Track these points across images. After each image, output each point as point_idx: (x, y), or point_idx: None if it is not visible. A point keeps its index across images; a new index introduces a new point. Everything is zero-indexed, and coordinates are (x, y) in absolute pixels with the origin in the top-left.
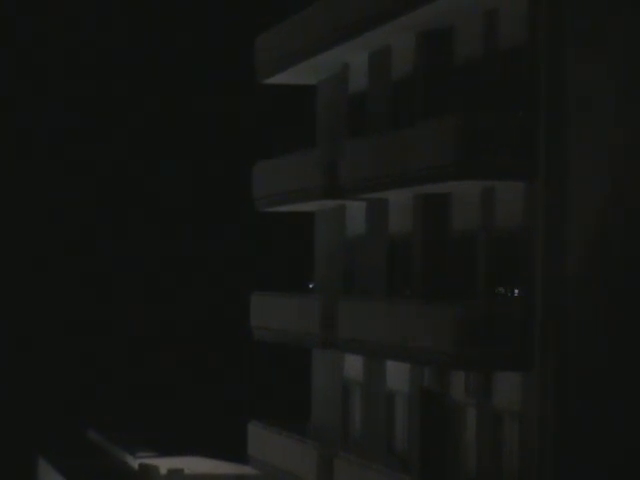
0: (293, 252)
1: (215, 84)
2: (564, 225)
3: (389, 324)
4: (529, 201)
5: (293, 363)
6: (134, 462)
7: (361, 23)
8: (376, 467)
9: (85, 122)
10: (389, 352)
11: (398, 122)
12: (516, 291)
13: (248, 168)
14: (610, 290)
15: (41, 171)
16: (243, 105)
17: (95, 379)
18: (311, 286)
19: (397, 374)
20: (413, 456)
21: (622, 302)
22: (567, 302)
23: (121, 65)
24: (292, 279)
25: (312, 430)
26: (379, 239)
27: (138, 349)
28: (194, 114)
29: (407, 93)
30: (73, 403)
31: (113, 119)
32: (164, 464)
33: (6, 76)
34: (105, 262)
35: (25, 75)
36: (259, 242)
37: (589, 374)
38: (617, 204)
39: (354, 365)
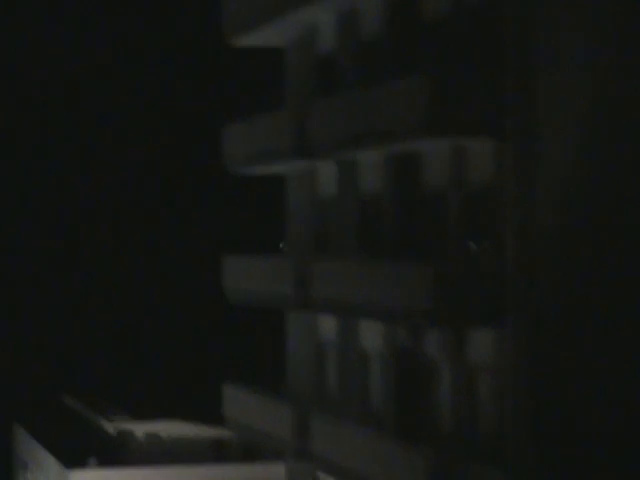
0: (263, 214)
1: (184, 45)
2: (534, 181)
3: (362, 283)
4: (499, 158)
5: (267, 325)
6: (111, 427)
7: None
8: (352, 425)
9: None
10: (363, 311)
11: (367, 82)
12: (486, 245)
13: (218, 130)
14: (581, 244)
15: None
16: (212, 67)
17: (69, 346)
18: (282, 246)
19: (371, 333)
20: (388, 414)
21: (593, 255)
22: (538, 257)
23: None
24: (263, 241)
25: (288, 391)
26: (350, 199)
27: (114, 314)
28: (162, 76)
29: (376, 53)
30: (48, 370)
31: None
32: (141, 429)
33: None
34: (73, 203)
35: None
36: (229, 205)
37: (562, 327)
38: (586, 159)
39: (328, 325)
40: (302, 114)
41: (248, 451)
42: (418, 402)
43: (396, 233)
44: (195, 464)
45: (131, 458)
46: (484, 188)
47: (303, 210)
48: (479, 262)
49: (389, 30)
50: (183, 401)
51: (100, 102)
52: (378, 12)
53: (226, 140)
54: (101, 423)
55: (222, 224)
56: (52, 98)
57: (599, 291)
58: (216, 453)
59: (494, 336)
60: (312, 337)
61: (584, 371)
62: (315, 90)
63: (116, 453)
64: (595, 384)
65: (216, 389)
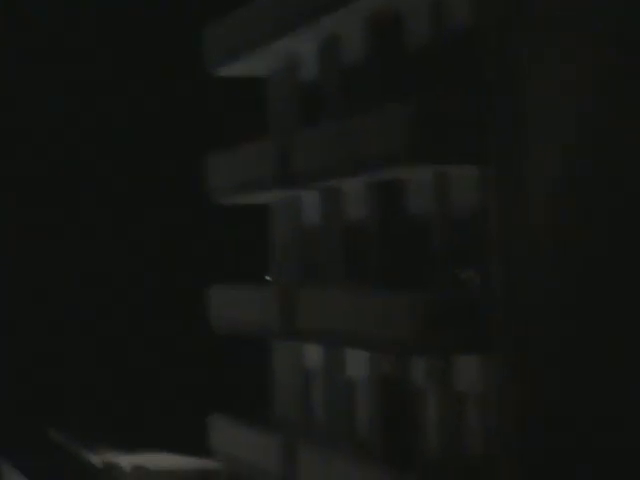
0: (248, 245)
1: (166, 75)
2: (518, 206)
3: (348, 312)
4: (483, 184)
5: (253, 355)
6: (97, 460)
7: (310, 11)
8: (340, 454)
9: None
10: (349, 340)
11: (350, 110)
12: (472, 272)
13: (203, 161)
14: (567, 270)
15: None
16: (196, 97)
17: (54, 378)
18: (268, 278)
19: (357, 361)
20: (376, 441)
21: (580, 281)
22: (524, 283)
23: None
24: (249, 272)
25: (275, 421)
26: (335, 227)
27: (95, 347)
28: (146, 108)
29: (358, 80)
30: (33, 403)
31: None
32: (127, 460)
33: None
34: (47, 262)
35: None
36: (214, 235)
37: (548, 353)
38: (571, 183)
39: (314, 354)
40: (285, 143)
41: None
42: (405, 429)
43: (381, 261)
44: None
45: None
46: (469, 214)
47: (288, 239)
48: (465, 289)
49: (371, 57)
50: (169, 433)
51: (78, 129)
52: (360, 39)
53: (210, 170)
54: (87, 456)
55: (207, 254)
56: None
57: (586, 317)
58: None
59: (480, 362)
60: (298, 366)
61: (571, 396)
62: (298, 119)
63: None
64: (582, 408)
65: (203, 420)
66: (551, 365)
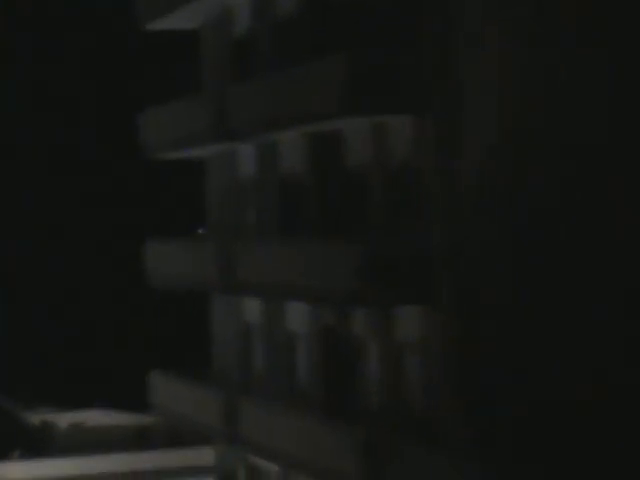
0: (184, 198)
1: (100, 30)
2: (456, 155)
3: (286, 265)
4: (420, 134)
5: (191, 309)
6: (34, 418)
7: None
8: (281, 407)
9: None
10: (287, 293)
11: (285, 63)
12: (406, 224)
13: (136, 115)
14: (505, 220)
15: None
16: (128, 51)
17: None
18: (200, 231)
19: (297, 314)
20: (317, 394)
21: (517, 230)
22: (462, 234)
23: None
24: (181, 226)
25: (215, 375)
26: (271, 181)
27: (37, 302)
28: (82, 60)
29: (292, 32)
30: None
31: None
32: (64, 419)
33: None
34: None
35: None
36: (149, 190)
37: (489, 303)
38: (507, 131)
39: (254, 308)
40: (220, 97)
41: (174, 437)
42: (346, 381)
43: (319, 214)
44: (120, 452)
45: (55, 448)
46: (406, 165)
47: (223, 194)
48: (403, 240)
49: (305, 9)
50: (107, 390)
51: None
52: None
53: (144, 126)
54: (24, 415)
55: (143, 210)
56: None
57: (526, 266)
58: (141, 440)
59: (421, 313)
60: (237, 320)
61: (511, 347)
62: (232, 72)
63: (40, 444)
64: (522, 360)
65: (141, 376)
66: (492, 315)
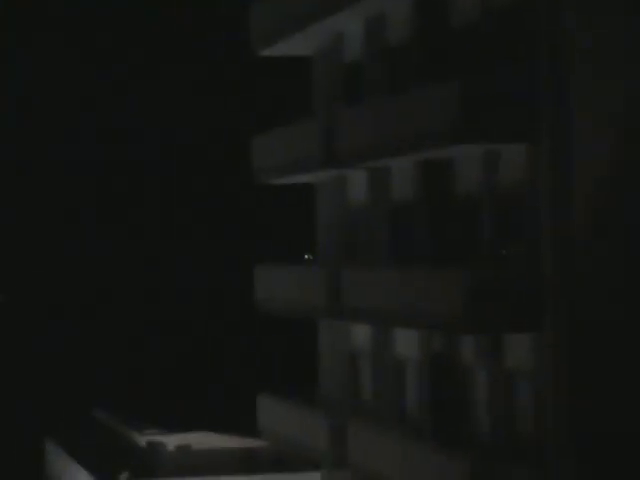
0: (290, 224)
1: (214, 55)
2: (568, 183)
3: (395, 291)
4: (532, 161)
5: (300, 335)
6: (142, 440)
7: None
8: (389, 433)
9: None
10: (396, 319)
11: (396, 89)
12: (519, 249)
13: (248, 140)
14: (617, 245)
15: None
16: (242, 76)
17: (100, 360)
18: (306, 257)
19: (406, 340)
20: (425, 421)
21: (629, 257)
22: (574, 261)
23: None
24: (290, 251)
25: (322, 401)
26: (381, 207)
27: (141, 328)
28: (193, 85)
29: (404, 59)
30: (79, 383)
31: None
32: (172, 440)
33: None
34: (87, 245)
35: None
36: (258, 215)
37: (600, 330)
38: (620, 159)
39: (362, 334)
40: (330, 123)
41: (280, 461)
42: (455, 408)
43: (429, 240)
44: (227, 475)
45: (162, 470)
46: (517, 192)
47: (334, 219)
48: (513, 267)
49: (417, 36)
50: (216, 413)
51: (125, 115)
52: (406, 18)
53: (256, 151)
54: (132, 436)
55: (253, 235)
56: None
57: (635, 298)
58: (248, 463)
59: (531, 340)
60: (345, 346)
61: (623, 374)
62: (343, 98)
63: (147, 465)
64: (634, 388)
65: (250, 400)
66: (602, 345)
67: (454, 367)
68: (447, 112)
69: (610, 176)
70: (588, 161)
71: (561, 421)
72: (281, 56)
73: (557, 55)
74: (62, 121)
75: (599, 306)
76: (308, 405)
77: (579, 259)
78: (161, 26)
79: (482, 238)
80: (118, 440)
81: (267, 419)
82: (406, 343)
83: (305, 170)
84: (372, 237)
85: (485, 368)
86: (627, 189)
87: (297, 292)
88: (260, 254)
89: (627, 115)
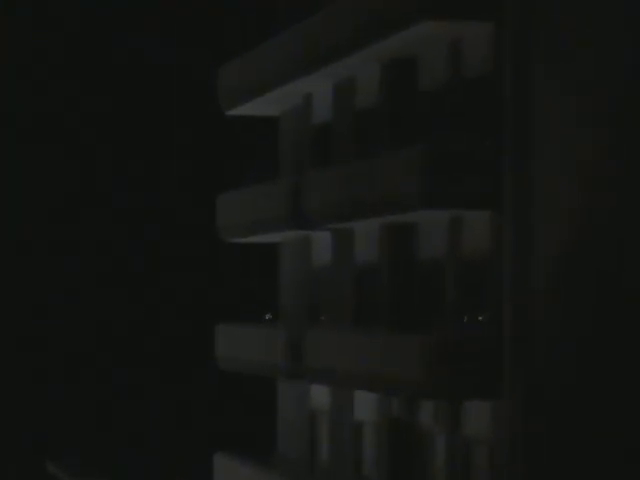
0: (249, 283)
1: (179, 116)
2: (531, 252)
3: (356, 354)
4: (496, 229)
5: (258, 393)
6: None
7: (325, 54)
8: None
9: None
10: (357, 382)
11: (363, 152)
12: (480, 318)
13: (212, 200)
14: (579, 315)
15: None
16: (206, 136)
17: (53, 411)
18: (267, 317)
19: (365, 404)
20: None
21: (592, 327)
22: (535, 329)
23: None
24: (249, 310)
25: (279, 461)
26: (345, 269)
27: (103, 381)
28: (159, 144)
29: (372, 123)
30: (31, 436)
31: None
32: None
33: None
34: (42, 282)
35: None
36: (216, 273)
37: (559, 399)
38: (585, 229)
39: (321, 395)
40: (296, 183)
41: None
42: (412, 474)
43: (391, 303)
44: None
45: None
46: (481, 259)
47: (297, 279)
48: (474, 333)
49: (385, 100)
50: (170, 471)
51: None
52: (375, 81)
53: (221, 209)
54: None
55: (214, 292)
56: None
57: (598, 363)
58: None
59: (490, 408)
60: (304, 406)
61: (582, 444)
62: (310, 160)
63: None
64: (594, 457)
65: (206, 459)
66: (562, 412)
67: (412, 432)
68: (412, 177)
69: (574, 245)
70: (552, 226)
71: None
72: (248, 115)
73: (524, 123)
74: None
75: (559, 375)
76: (265, 465)
77: (540, 328)
78: (127, 82)
79: (445, 303)
80: None
81: (223, 478)
82: (365, 406)
83: (270, 229)
84: (335, 298)
85: (444, 434)
86: (591, 258)
87: (258, 351)
88: (220, 312)
89: (593, 185)
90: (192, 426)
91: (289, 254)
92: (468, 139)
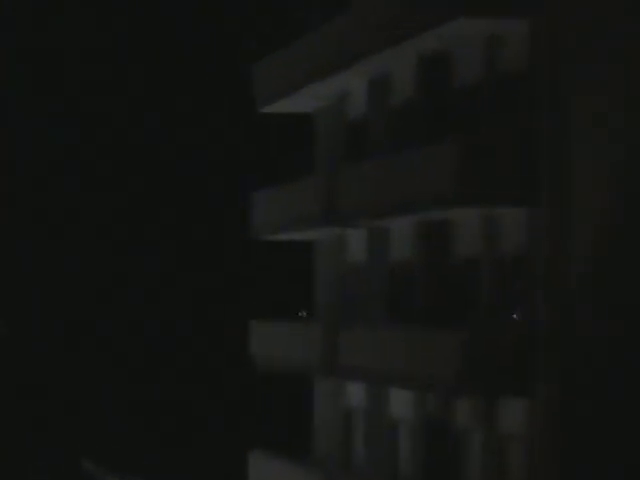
0: (286, 280)
1: (215, 112)
2: (566, 250)
3: (392, 351)
4: (531, 227)
5: (295, 391)
6: None
7: (361, 50)
8: None
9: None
10: (392, 379)
11: (398, 149)
12: (514, 316)
13: (248, 197)
14: (612, 314)
15: None
16: (243, 133)
17: (88, 408)
18: (301, 314)
19: (400, 401)
20: None
21: (626, 324)
22: (570, 327)
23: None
24: (284, 307)
25: (315, 459)
26: (380, 266)
27: (136, 379)
28: (195, 140)
29: (407, 119)
30: (66, 432)
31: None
32: None
33: None
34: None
35: None
36: (257, 271)
37: (594, 397)
38: (619, 224)
39: (357, 393)
40: (331, 181)
41: None
42: (448, 471)
43: (426, 301)
44: None
45: None
46: (516, 256)
47: (332, 276)
48: (511, 332)
49: (420, 96)
50: (210, 468)
51: (128, 165)
52: (410, 78)
53: (255, 206)
54: None
55: (251, 291)
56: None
57: (631, 360)
58: None
59: (525, 405)
60: (340, 404)
61: (617, 440)
62: (345, 156)
63: None
64: (629, 453)
65: (243, 455)
66: (597, 409)
67: (448, 429)
68: (447, 174)
69: (609, 241)
70: (587, 225)
71: None
72: (284, 113)
73: (558, 118)
74: None
75: (594, 372)
76: (301, 463)
77: (575, 325)
78: (161, 86)
79: (480, 300)
80: None
81: (259, 475)
82: (401, 403)
83: (305, 227)
84: (370, 296)
85: (479, 431)
86: (625, 255)
87: (294, 349)
88: (254, 309)
89: (626, 179)
90: (228, 426)
91: (324, 251)
92: (504, 136)
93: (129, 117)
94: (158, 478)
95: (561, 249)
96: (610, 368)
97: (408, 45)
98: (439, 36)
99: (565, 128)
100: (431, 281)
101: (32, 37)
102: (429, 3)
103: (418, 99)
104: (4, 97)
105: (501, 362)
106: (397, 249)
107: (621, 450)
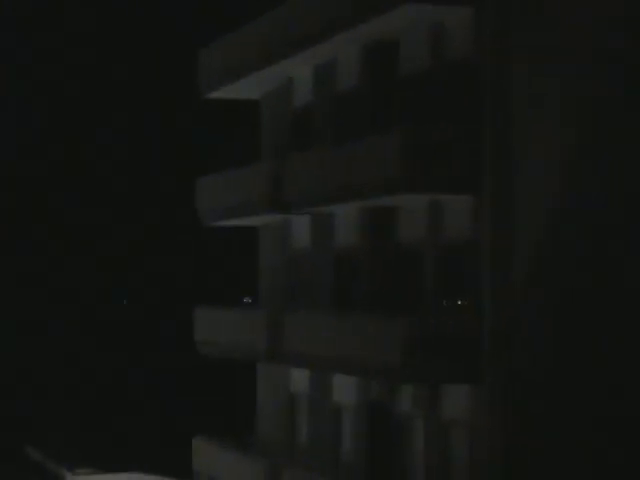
0: (229, 267)
1: (160, 100)
2: (510, 237)
3: (335, 337)
4: (476, 213)
5: (238, 377)
6: (71, 478)
7: (306, 37)
8: (323, 478)
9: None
10: (335, 365)
11: (344, 136)
12: (459, 302)
13: (193, 183)
14: (557, 300)
15: None
16: (187, 120)
17: (33, 396)
18: (246, 300)
19: (344, 387)
20: (360, 468)
21: (569, 311)
22: (514, 313)
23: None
24: (227, 293)
25: (258, 444)
26: (324, 252)
27: (77, 364)
28: (140, 128)
29: (353, 107)
30: (9, 419)
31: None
32: None
33: None
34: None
35: None
36: (196, 257)
37: (537, 383)
38: (564, 215)
39: (300, 379)
40: (276, 167)
41: None
42: (391, 457)
43: (371, 287)
44: None
45: None
46: (460, 244)
47: (277, 263)
48: (455, 318)
49: (366, 84)
50: (153, 454)
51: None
52: (355, 66)
53: (200, 192)
54: (63, 475)
55: (193, 276)
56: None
57: (576, 348)
58: None
59: (469, 391)
60: (284, 389)
61: (558, 427)
62: (290, 143)
63: None
64: (570, 440)
65: (185, 442)
66: (540, 395)
67: (391, 415)
68: (391, 161)
69: (552, 230)
70: (531, 215)
71: (496, 473)
72: (229, 99)
73: (503, 107)
74: None
75: (537, 359)
76: (244, 449)
77: (519, 312)
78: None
79: (424, 287)
80: (48, 478)
81: (202, 462)
82: (344, 389)
83: (250, 213)
84: (314, 282)
85: (422, 417)
86: (569, 243)
87: (238, 335)
88: (199, 296)
89: (571, 169)
90: (170, 411)
91: (269, 238)
92: (448, 123)
93: (82, 102)
94: (105, 466)
95: (505, 235)
96: (555, 355)
97: (354, 32)
98: (385, 23)
99: (508, 116)
100: (376, 267)
101: None
102: None
103: (364, 86)
104: None
105: (445, 348)
106: (342, 235)
107: (564, 433)
